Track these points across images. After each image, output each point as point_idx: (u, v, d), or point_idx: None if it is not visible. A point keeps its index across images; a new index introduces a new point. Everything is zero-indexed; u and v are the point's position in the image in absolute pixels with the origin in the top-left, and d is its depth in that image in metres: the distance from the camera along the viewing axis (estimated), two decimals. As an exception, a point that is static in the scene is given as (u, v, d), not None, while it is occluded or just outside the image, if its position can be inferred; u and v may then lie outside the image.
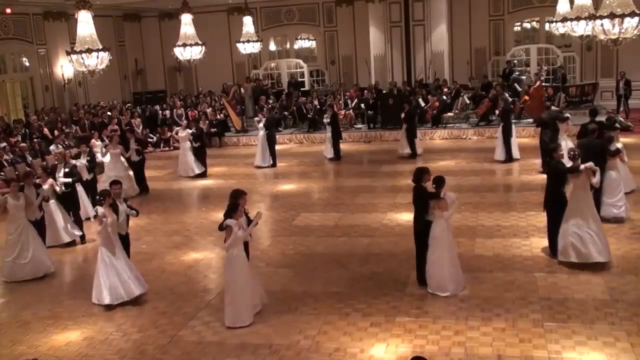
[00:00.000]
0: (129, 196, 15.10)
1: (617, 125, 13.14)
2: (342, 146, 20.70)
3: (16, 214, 10.73)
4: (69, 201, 12.62)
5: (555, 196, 9.82)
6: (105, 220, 9.18)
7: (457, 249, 9.32)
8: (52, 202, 12.10)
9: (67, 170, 12.88)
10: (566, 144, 14.15)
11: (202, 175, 17.95)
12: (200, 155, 18.20)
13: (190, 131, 18.09)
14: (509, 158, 16.96)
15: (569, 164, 9.92)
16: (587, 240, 9.43)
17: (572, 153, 9.89)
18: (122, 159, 16.06)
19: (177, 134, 18.81)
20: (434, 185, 8.86)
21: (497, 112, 17.58)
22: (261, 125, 18.96)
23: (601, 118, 13.71)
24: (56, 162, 13.62)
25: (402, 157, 18.51)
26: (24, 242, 10.67)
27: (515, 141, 17.29)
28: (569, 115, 15.37)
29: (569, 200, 9.67)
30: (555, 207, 9.79)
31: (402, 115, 19.04)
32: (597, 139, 11.50)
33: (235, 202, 8.47)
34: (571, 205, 9.59)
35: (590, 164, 9.53)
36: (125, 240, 9.85)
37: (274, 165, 18.72)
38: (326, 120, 19.46)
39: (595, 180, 9.55)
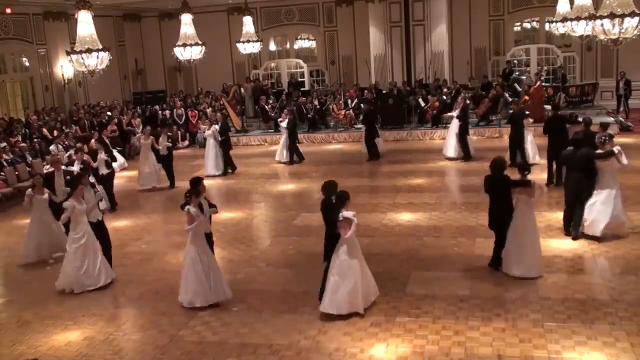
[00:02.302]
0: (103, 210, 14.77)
1: (579, 120, 14.03)
2: (342, 146, 20.76)
3: (81, 219, 9.93)
4: None
5: (589, 184, 10.59)
6: (198, 219, 8.78)
7: (534, 234, 9.47)
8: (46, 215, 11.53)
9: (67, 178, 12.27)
10: (529, 137, 16.22)
11: (171, 186, 16.90)
12: (167, 166, 17.01)
13: (153, 138, 16.79)
14: (467, 156, 17.44)
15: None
16: (620, 212, 10.59)
17: (603, 138, 10.68)
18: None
19: (139, 141, 17.46)
20: (521, 172, 9.40)
21: (456, 112, 17.93)
22: (210, 132, 18.05)
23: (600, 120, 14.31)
24: (52, 169, 12.87)
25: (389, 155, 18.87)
26: (92, 248, 9.99)
27: (470, 139, 17.97)
28: (528, 112, 16.54)
29: (599, 181, 10.57)
30: (588, 192, 10.65)
31: (361, 117, 19.64)
32: (592, 130, 12.30)
33: (343, 193, 8.52)
34: (602, 184, 10.55)
35: (618, 147, 10.60)
36: (209, 239, 9.42)
37: (225, 173, 18.04)
38: (284, 124, 18.96)
39: (625, 161, 10.56)
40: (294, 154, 19.05)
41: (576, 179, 10.73)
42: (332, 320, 8.37)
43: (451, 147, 17.81)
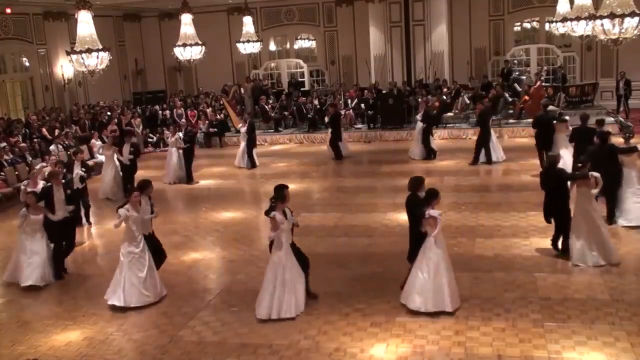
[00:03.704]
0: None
1: (565, 117, 15.13)
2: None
3: (136, 229, 9.30)
4: (65, 231, 10.97)
5: (616, 177, 11.26)
6: (282, 226, 8.49)
7: (600, 221, 9.89)
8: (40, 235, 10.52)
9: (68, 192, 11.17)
10: (494, 135, 17.33)
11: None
12: (129, 176, 15.75)
13: (115, 148, 15.75)
14: (429, 156, 18.07)
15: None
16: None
17: (627, 135, 11.88)
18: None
19: (100, 151, 15.99)
20: (580, 164, 9.84)
21: (418, 115, 18.72)
22: (172, 140, 17.15)
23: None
24: (49, 184, 11.39)
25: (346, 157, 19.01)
26: (148, 259, 9.38)
27: (433, 140, 18.56)
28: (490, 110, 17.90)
29: (625, 173, 11.32)
30: (617, 184, 11.37)
31: (326, 119, 19.85)
32: (589, 126, 13.24)
33: (434, 190, 8.55)
34: (628, 177, 11.34)
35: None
36: (294, 248, 8.87)
37: (190, 180, 17.19)
38: (243, 129, 18.58)
39: None
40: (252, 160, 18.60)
41: (603, 172, 11.15)
42: (332, 320, 8.38)
43: (415, 149, 18.49)
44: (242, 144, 18.86)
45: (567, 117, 14.96)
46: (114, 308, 9.19)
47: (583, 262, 9.62)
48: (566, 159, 13.59)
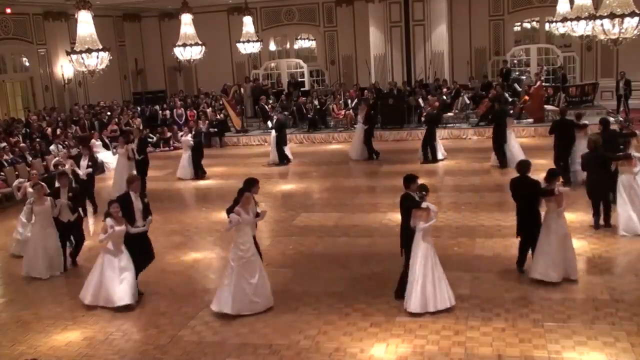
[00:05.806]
0: None
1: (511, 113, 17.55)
2: (342, 146, 20.71)
3: (247, 230, 8.80)
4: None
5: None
6: (427, 226, 8.51)
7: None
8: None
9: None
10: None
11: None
12: (87, 192, 14.09)
13: (72, 161, 14.65)
14: (371, 157, 18.67)
15: None
16: None
17: (627, 123, 13.42)
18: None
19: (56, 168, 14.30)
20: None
21: (359, 117, 19.06)
22: (122, 151, 15.67)
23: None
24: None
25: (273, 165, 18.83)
26: (258, 262, 8.90)
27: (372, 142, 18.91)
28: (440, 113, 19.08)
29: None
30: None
31: (269, 124, 20.24)
32: (572, 121, 14.17)
33: (556, 170, 9.54)
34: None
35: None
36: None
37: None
38: (188, 138, 17.57)
39: None
40: (198, 168, 17.73)
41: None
42: (332, 320, 8.39)
43: (355, 150, 18.87)
44: (185, 154, 17.66)
45: (511, 112, 17.28)
46: (114, 308, 9.19)
47: (628, 232, 10.71)
48: (513, 145, 16.30)
